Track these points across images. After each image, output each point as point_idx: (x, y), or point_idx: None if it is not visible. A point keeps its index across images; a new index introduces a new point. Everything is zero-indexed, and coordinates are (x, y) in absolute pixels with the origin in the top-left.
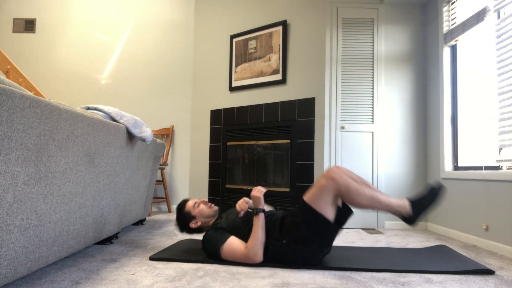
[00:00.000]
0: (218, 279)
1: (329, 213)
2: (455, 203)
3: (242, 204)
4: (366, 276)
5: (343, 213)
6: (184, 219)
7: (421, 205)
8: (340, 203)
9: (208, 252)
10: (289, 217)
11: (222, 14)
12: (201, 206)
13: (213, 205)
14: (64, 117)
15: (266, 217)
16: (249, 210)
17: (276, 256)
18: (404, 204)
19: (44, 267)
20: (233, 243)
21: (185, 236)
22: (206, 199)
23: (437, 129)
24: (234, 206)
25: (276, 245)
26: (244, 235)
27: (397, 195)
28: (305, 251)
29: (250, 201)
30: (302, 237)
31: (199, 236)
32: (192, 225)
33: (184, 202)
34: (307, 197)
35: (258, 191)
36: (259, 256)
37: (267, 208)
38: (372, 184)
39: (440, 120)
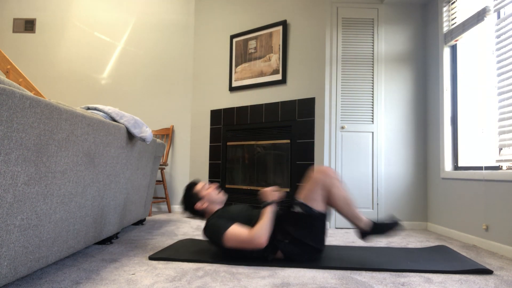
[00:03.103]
0: (218, 279)
1: (321, 207)
2: (455, 203)
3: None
4: (366, 276)
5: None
6: (191, 199)
7: (379, 230)
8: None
9: (210, 238)
10: (285, 216)
11: (222, 14)
12: (210, 190)
13: (223, 192)
14: (64, 117)
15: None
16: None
17: (286, 255)
18: (366, 221)
19: (44, 267)
20: (237, 228)
21: (185, 236)
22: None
23: (437, 129)
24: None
25: (280, 245)
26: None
27: (397, 195)
28: (308, 245)
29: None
30: (302, 233)
31: (199, 236)
32: (198, 205)
33: (193, 183)
34: (301, 196)
35: (268, 190)
36: (263, 238)
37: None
38: (372, 184)
39: (440, 120)
